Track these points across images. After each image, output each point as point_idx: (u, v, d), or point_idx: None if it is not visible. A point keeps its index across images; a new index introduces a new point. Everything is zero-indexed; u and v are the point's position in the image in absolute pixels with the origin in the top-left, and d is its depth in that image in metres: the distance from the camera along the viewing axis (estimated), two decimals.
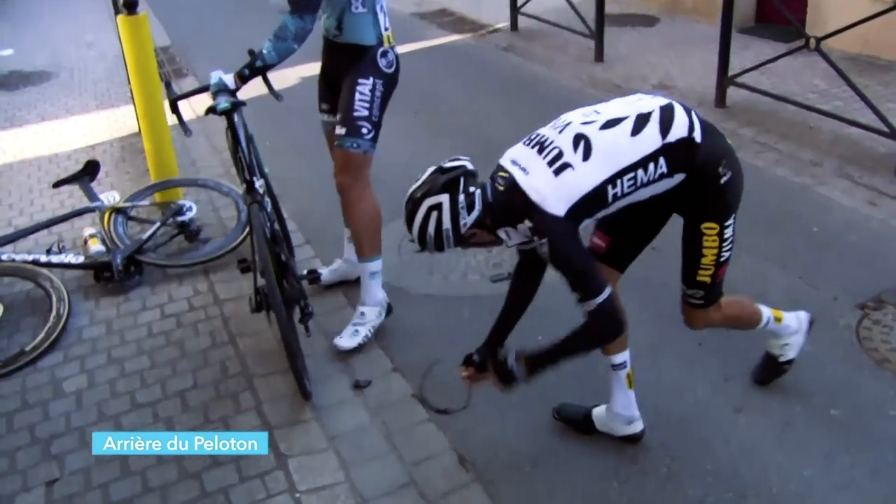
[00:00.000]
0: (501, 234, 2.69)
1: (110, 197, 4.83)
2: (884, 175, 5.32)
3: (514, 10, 9.16)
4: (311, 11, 3.55)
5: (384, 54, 3.77)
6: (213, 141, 6.43)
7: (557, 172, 2.58)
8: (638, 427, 3.21)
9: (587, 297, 2.61)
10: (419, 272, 4.53)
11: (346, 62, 3.77)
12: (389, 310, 4.07)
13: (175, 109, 3.80)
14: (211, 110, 3.66)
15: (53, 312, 4.05)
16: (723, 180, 2.72)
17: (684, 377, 3.59)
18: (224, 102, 3.61)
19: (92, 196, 4.78)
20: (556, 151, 2.61)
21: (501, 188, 2.64)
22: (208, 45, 9.37)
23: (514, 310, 3.05)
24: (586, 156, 2.58)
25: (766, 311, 3.26)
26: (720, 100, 6.62)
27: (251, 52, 3.62)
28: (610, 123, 2.63)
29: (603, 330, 2.70)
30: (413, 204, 2.63)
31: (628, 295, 4.13)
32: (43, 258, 4.34)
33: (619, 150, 2.60)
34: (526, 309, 3.07)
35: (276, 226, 3.94)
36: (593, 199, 2.60)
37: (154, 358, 3.86)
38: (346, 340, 3.86)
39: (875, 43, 7.33)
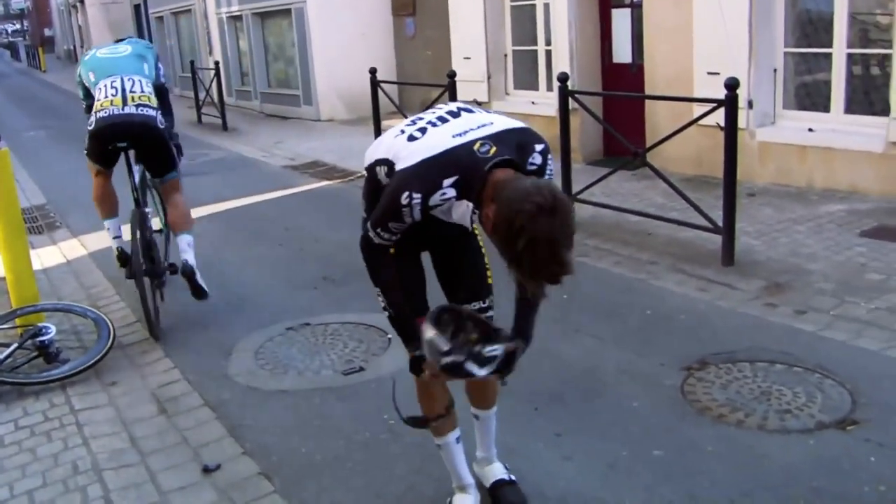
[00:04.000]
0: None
1: None
2: (712, 266, 5.82)
3: None
4: None
5: (89, 118, 5.25)
6: (80, 279, 6.57)
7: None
8: None
9: None
10: (274, 372, 4.68)
11: None
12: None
13: None
14: None
15: None
16: None
17: (518, 438, 3.78)
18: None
19: None
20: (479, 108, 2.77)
21: (493, 148, 2.53)
22: (82, 203, 9.54)
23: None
24: None
25: None
26: None
27: None
28: None
29: None
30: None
31: None
32: None
33: None
34: None
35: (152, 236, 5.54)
36: None
37: (3, 464, 3.86)
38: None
39: (708, 164, 8.07)
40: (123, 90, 5.16)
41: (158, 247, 5.61)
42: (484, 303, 3.06)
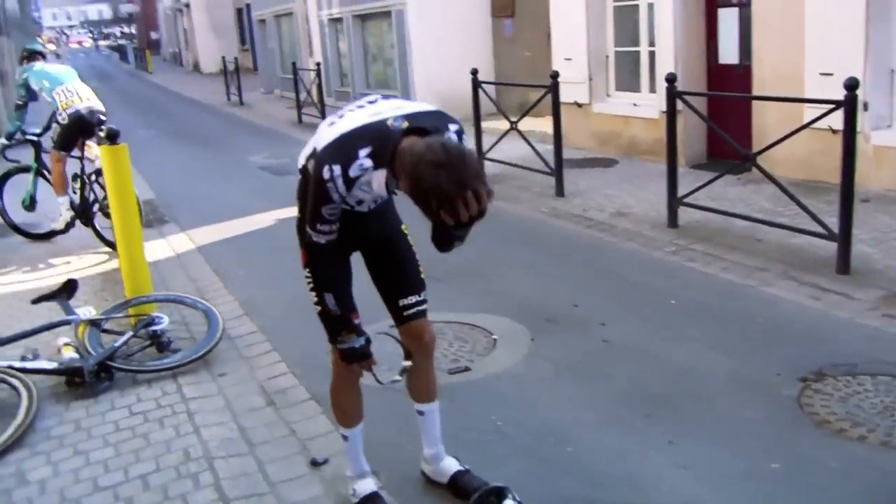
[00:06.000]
0: None
1: (86, 311, 5.04)
2: (826, 275, 5.60)
3: (480, 155, 9.68)
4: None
5: (60, 114, 7.33)
6: (188, 271, 6.74)
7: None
8: None
9: None
10: (379, 369, 4.67)
11: None
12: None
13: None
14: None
15: (22, 413, 4.16)
16: None
17: (630, 443, 3.72)
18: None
19: (68, 311, 4.98)
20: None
21: (405, 123, 2.68)
22: (189, 199, 9.87)
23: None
24: None
25: None
26: (672, 221, 6.99)
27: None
28: None
29: None
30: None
31: (575, 377, 4.39)
32: (17, 364, 4.49)
33: None
34: None
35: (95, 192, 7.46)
36: None
37: (119, 448, 3.95)
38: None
39: (818, 169, 7.81)
40: (77, 93, 7.44)
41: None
42: (420, 296, 3.22)
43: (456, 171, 2.40)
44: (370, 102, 2.88)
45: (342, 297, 2.97)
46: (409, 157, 2.50)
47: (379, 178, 2.70)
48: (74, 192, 7.61)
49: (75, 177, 7.59)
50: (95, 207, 7.51)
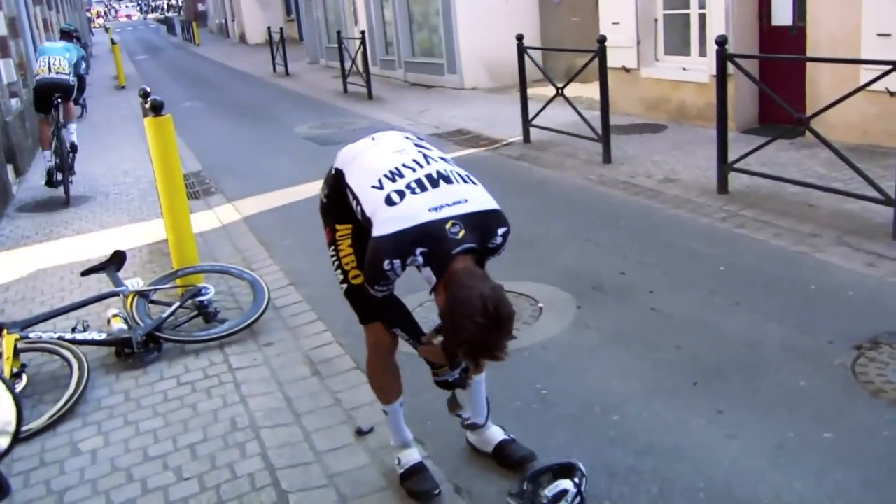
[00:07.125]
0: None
1: (134, 283, 5.10)
2: (882, 241, 5.44)
3: (526, 122, 9.61)
4: None
5: (33, 80, 8.87)
6: (235, 242, 6.78)
7: (475, 182, 2.96)
8: None
9: None
10: None
11: None
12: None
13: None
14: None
15: (73, 384, 4.24)
16: None
17: (677, 413, 3.67)
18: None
19: (117, 282, 5.05)
20: (455, 174, 2.92)
21: (462, 231, 2.73)
22: (235, 170, 9.93)
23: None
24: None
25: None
26: (722, 186, 6.85)
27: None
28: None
29: None
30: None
31: (621, 346, 4.35)
32: (68, 335, 4.57)
33: None
34: None
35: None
36: None
37: (167, 418, 4.02)
38: None
39: (875, 133, 7.59)
40: (49, 64, 8.99)
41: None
42: None
43: (497, 337, 2.57)
44: (431, 181, 2.82)
45: (407, 323, 3.11)
46: (460, 295, 2.58)
47: (427, 272, 2.82)
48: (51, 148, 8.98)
49: (54, 134, 8.94)
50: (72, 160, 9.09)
